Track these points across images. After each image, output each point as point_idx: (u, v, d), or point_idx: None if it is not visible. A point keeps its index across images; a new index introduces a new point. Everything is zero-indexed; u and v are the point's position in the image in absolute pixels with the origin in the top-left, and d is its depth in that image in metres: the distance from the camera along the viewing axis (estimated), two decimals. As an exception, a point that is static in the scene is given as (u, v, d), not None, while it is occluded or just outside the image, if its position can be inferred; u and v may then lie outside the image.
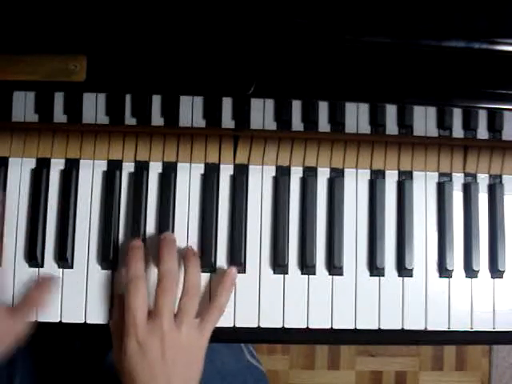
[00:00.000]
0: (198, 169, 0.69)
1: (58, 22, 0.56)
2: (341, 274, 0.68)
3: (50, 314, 0.65)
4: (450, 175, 0.70)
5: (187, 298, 0.63)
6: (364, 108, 0.65)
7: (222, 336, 0.65)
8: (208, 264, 0.67)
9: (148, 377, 0.60)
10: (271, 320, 0.67)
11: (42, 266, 0.66)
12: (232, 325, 0.66)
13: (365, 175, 0.70)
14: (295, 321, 0.67)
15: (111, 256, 0.66)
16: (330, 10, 0.57)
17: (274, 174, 0.69)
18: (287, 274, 0.67)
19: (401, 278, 0.68)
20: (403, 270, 0.68)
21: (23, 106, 0.64)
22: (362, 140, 0.69)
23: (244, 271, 0.67)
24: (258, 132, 0.67)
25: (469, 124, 0.65)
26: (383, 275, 0.68)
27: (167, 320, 0.61)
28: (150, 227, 0.67)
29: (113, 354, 0.63)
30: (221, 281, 0.65)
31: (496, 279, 0.69)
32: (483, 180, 0.71)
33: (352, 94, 0.61)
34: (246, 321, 0.66)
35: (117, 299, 0.65)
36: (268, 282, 0.67)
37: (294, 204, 0.69)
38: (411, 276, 0.68)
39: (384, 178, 0.70)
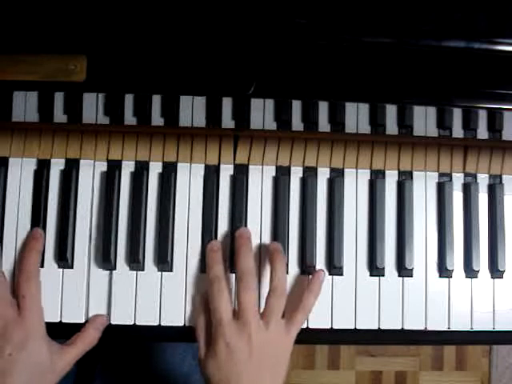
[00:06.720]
0: (198, 169, 0.69)
1: (58, 21, 0.56)
2: (341, 274, 0.68)
3: (50, 313, 0.65)
4: (449, 175, 0.70)
5: (275, 297, 0.63)
6: (364, 108, 0.65)
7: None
8: (208, 264, 0.67)
9: (234, 376, 0.60)
10: (271, 320, 0.67)
11: (42, 266, 0.66)
12: (232, 325, 0.66)
13: (365, 175, 0.70)
14: (295, 321, 0.67)
15: (111, 256, 0.66)
16: (330, 10, 0.56)
17: (273, 173, 0.69)
18: (287, 273, 0.67)
19: (401, 278, 0.68)
20: (403, 270, 0.68)
21: (23, 106, 0.64)
22: (362, 140, 0.69)
23: (244, 271, 0.67)
24: (258, 132, 0.67)
25: (469, 124, 0.65)
26: (383, 275, 0.68)
27: (253, 318, 0.61)
28: (150, 227, 0.67)
29: (199, 357, 0.63)
30: (308, 284, 0.65)
31: (496, 279, 0.69)
32: (483, 180, 0.71)
33: (352, 94, 0.61)
34: (246, 321, 0.66)
35: (202, 303, 0.65)
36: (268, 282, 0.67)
37: (294, 204, 0.69)
38: (411, 276, 0.68)
39: (384, 177, 0.70)
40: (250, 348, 0.60)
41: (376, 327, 0.67)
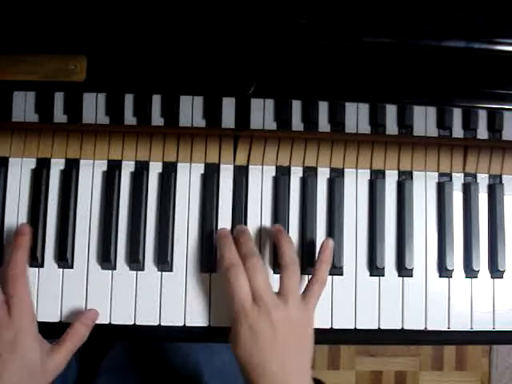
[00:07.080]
0: (198, 169, 0.69)
1: (58, 21, 0.56)
2: (341, 273, 0.68)
3: (50, 314, 0.65)
4: (449, 175, 0.70)
5: (288, 273, 0.63)
6: (364, 108, 0.64)
7: (223, 336, 0.65)
8: (209, 264, 0.67)
9: (262, 359, 0.60)
10: (271, 320, 0.66)
11: (42, 266, 0.66)
12: (232, 325, 0.66)
13: (365, 175, 0.70)
14: (295, 321, 0.67)
15: (111, 256, 0.66)
16: (330, 10, 0.56)
17: (273, 173, 0.69)
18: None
19: (401, 278, 0.68)
20: (403, 270, 0.68)
21: (23, 106, 0.64)
22: (362, 140, 0.69)
23: (244, 271, 0.67)
24: (258, 132, 0.67)
25: (469, 124, 0.65)
26: (383, 275, 0.68)
27: (269, 297, 0.61)
28: (150, 227, 0.67)
29: (230, 346, 0.62)
30: (318, 254, 0.65)
31: (496, 279, 0.69)
32: (483, 180, 0.71)
33: (352, 94, 0.61)
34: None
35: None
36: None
37: (294, 204, 0.69)
38: (411, 276, 0.68)
39: (384, 177, 0.70)
40: (272, 327, 0.60)
41: (376, 327, 0.67)
